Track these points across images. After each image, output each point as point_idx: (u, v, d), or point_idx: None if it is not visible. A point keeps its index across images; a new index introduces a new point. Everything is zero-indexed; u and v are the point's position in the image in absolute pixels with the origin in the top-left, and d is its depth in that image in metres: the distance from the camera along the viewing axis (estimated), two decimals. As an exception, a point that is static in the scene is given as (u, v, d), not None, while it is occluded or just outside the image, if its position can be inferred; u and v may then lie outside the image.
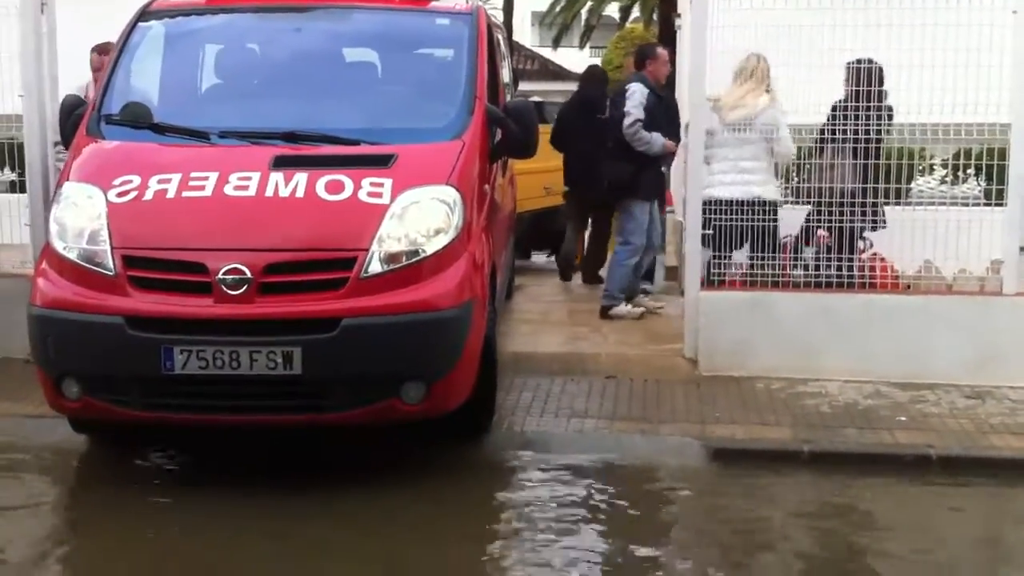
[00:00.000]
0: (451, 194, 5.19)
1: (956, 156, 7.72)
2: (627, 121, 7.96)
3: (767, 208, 7.01)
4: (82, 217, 5.14)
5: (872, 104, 6.83)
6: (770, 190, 7.17)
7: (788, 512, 5.16)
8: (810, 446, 5.68)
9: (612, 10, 30.50)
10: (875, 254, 7.51)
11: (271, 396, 4.98)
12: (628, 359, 7.22)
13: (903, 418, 6.06)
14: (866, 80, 6.81)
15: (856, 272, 6.93)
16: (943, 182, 8.19)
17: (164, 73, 6.19)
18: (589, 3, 28.84)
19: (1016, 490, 5.36)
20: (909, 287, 7.18)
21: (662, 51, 8.84)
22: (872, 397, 6.38)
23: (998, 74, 6.45)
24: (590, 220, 10.33)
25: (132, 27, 6.10)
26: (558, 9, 29.93)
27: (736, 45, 6.72)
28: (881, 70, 6.85)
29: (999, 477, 5.43)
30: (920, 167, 7.87)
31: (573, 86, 41.73)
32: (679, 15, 13.79)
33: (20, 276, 6.58)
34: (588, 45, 36.24)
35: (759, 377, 6.67)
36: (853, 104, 6.85)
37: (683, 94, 12.56)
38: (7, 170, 7.47)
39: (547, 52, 37.97)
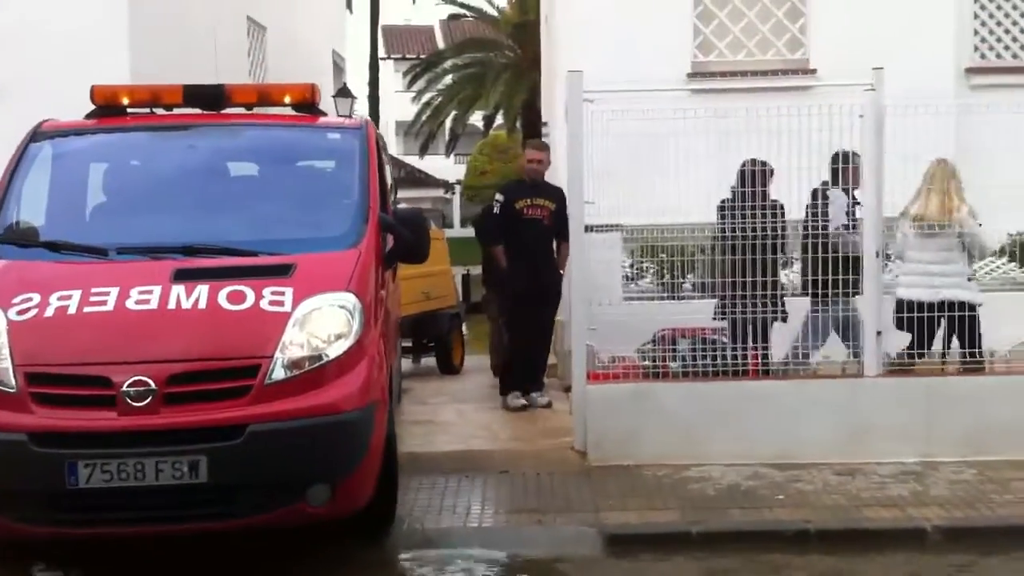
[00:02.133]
0: (351, 300, 5.37)
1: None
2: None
3: (965, 307, 7.42)
4: None
5: (757, 202, 7.34)
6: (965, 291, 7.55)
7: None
8: (698, 527, 5.97)
9: (476, 119, 31.30)
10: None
11: (177, 505, 5.01)
12: (520, 454, 7.45)
13: (782, 496, 6.42)
14: (750, 180, 7.33)
15: (730, 360, 7.35)
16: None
17: (56, 192, 6.22)
18: (454, 112, 29.56)
19: (888, 557, 5.72)
20: (778, 373, 7.66)
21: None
22: (752, 478, 6.74)
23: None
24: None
25: (24, 147, 6.17)
26: (424, 119, 30.57)
27: (608, 151, 7.15)
28: (771, 171, 7.41)
29: (873, 547, 5.79)
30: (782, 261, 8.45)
31: (439, 192, 42.13)
32: (545, 123, 14.44)
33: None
34: (454, 152, 37.07)
35: (647, 464, 6.97)
36: (740, 203, 7.35)
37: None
38: None
39: (413, 160, 38.66)
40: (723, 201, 7.49)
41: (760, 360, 7.60)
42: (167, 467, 4.89)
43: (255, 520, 5.12)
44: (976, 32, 10.95)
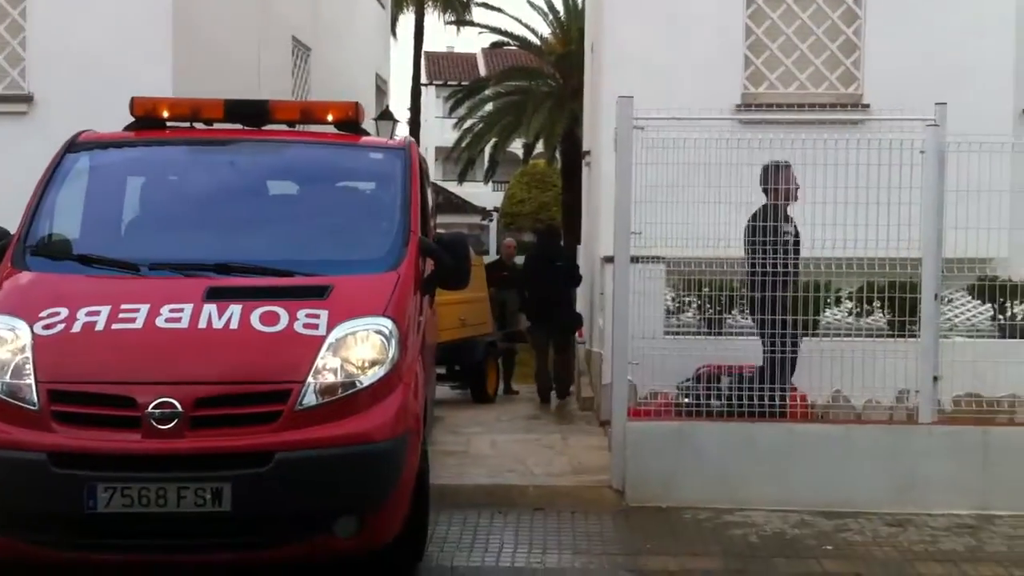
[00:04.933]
0: (388, 325, 5.18)
1: (861, 289, 8.08)
2: None
3: None
4: (6, 350, 4.98)
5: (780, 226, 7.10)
6: None
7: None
8: (742, 576, 5.71)
9: (516, 147, 31.22)
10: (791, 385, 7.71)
11: (199, 534, 4.82)
12: (556, 491, 7.21)
13: (829, 547, 6.13)
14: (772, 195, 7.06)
15: (777, 402, 7.08)
16: (850, 314, 8.53)
17: (91, 205, 6.10)
18: (494, 139, 29.47)
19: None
20: (821, 417, 7.38)
21: None
22: (798, 526, 6.45)
23: (907, 211, 6.78)
24: (552, 349, 11.83)
25: (60, 158, 6.05)
26: (464, 145, 30.50)
27: (657, 181, 6.94)
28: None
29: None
30: (828, 299, 8.19)
31: (476, 219, 42.51)
32: (587, 152, 14.29)
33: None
34: (492, 180, 37.02)
35: (686, 507, 6.71)
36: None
37: (591, 227, 12.97)
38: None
39: (452, 186, 38.66)
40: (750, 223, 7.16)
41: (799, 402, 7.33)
42: (189, 493, 4.70)
43: (280, 552, 4.93)
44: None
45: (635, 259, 7.11)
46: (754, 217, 7.19)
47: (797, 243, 7.24)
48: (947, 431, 6.89)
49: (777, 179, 7.23)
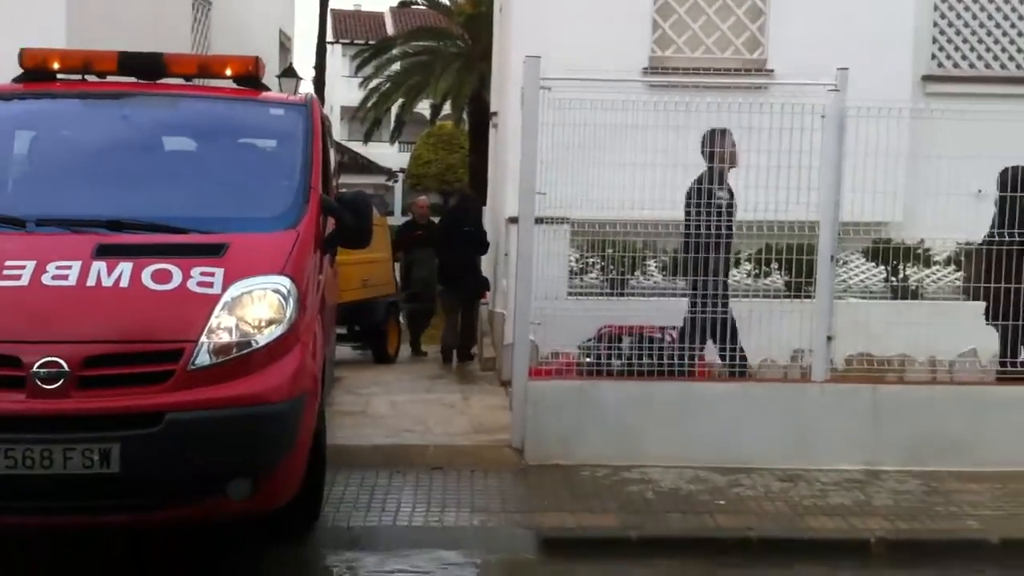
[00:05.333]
0: (285, 284, 5.08)
1: (761, 251, 8.21)
2: None
3: None
4: None
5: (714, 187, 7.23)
6: None
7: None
8: (637, 532, 5.78)
9: (423, 107, 30.94)
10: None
11: (88, 496, 4.69)
12: (455, 450, 7.20)
13: (723, 502, 6.25)
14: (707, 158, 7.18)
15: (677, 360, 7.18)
16: (749, 276, 8.67)
17: (-26, 158, 5.87)
18: (401, 100, 29.16)
19: (830, 568, 5.57)
20: (718, 375, 7.51)
21: None
22: (693, 482, 6.56)
23: (808, 175, 6.89)
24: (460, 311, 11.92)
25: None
26: (370, 105, 30.12)
27: (562, 142, 6.92)
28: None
29: (815, 557, 5.64)
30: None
31: (381, 179, 41.97)
32: (495, 113, 14.23)
33: None
34: (398, 140, 36.67)
35: (585, 465, 6.76)
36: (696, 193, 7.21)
37: (497, 188, 12.94)
38: None
39: (357, 146, 38.21)
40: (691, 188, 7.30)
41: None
42: (76, 455, 4.57)
43: (172, 514, 4.85)
44: (935, 40, 10.90)
45: (540, 220, 7.09)
46: (699, 180, 7.27)
47: (732, 207, 7.31)
48: (839, 389, 7.05)
49: (717, 144, 7.31)
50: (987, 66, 10.90)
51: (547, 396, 6.93)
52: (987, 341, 8.59)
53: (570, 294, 8.02)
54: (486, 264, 12.90)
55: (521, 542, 5.71)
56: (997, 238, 7.40)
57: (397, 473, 6.63)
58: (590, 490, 6.42)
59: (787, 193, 7.02)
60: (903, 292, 9.19)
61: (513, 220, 9.09)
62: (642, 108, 7.02)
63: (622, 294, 8.22)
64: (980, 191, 8.56)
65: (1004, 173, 7.60)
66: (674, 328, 7.70)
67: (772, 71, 10.10)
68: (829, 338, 7.02)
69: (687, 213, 7.29)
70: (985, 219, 8.40)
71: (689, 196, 7.29)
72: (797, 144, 7.02)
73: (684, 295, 7.52)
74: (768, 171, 6.88)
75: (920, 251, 9.32)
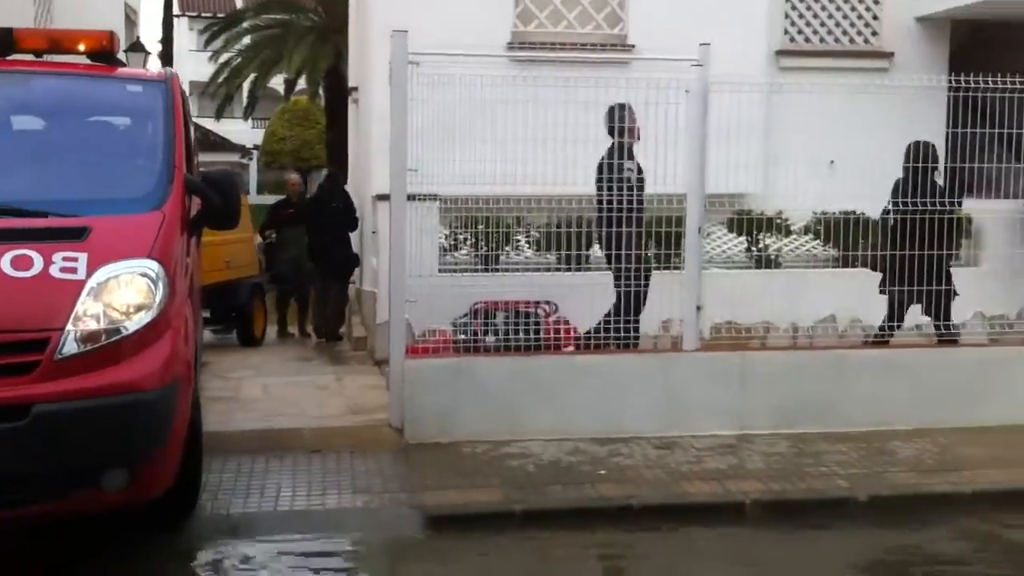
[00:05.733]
0: (154, 268, 4.89)
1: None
2: None
3: None
4: None
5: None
6: None
7: (505, 572, 5.27)
8: (521, 505, 5.81)
9: (277, 82, 30.24)
10: (560, 318, 7.90)
11: (-49, 493, 4.46)
12: (332, 432, 7.11)
13: (603, 471, 6.34)
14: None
15: (545, 335, 7.25)
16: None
17: None
18: (253, 75, 28.40)
19: (710, 530, 5.73)
20: (589, 347, 7.61)
21: None
22: (573, 453, 6.63)
23: (673, 149, 7.01)
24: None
25: None
26: (221, 80, 29.24)
27: (431, 117, 6.86)
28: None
29: (695, 521, 5.79)
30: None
31: (235, 157, 40.71)
32: (354, 88, 14.01)
33: None
34: (251, 117, 35.76)
35: (465, 441, 6.76)
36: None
37: (361, 165, 12.77)
38: None
39: (208, 123, 37.13)
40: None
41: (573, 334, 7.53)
42: (-63, 452, 4.32)
43: (45, 508, 4.65)
44: (787, 16, 11.21)
45: (410, 197, 7.02)
46: (610, 155, 7.30)
47: (642, 180, 7.37)
48: (709, 357, 7.23)
49: (622, 119, 7.35)
50: (836, 41, 11.28)
51: (425, 374, 6.89)
52: (844, 307, 8.98)
53: (442, 271, 8.00)
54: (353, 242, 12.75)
55: (406, 521, 5.68)
56: (902, 207, 7.64)
57: (274, 458, 6.50)
58: (472, 466, 6.42)
59: (653, 166, 7.13)
60: (763, 262, 9.48)
61: (382, 197, 9.01)
62: (512, 83, 7.02)
63: (495, 270, 8.25)
64: (832, 162, 8.93)
65: (909, 147, 7.92)
66: (548, 302, 7.77)
67: (633, 46, 10.22)
68: (698, 308, 7.17)
69: (598, 188, 7.33)
70: (838, 190, 8.76)
71: (600, 171, 7.35)
72: (663, 118, 7.14)
73: (571, 270, 7.57)
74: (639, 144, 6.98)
75: (779, 221, 9.64)
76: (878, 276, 8.00)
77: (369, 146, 10.53)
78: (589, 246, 8.17)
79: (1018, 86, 7.45)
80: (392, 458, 6.58)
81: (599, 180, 7.37)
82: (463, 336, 7.55)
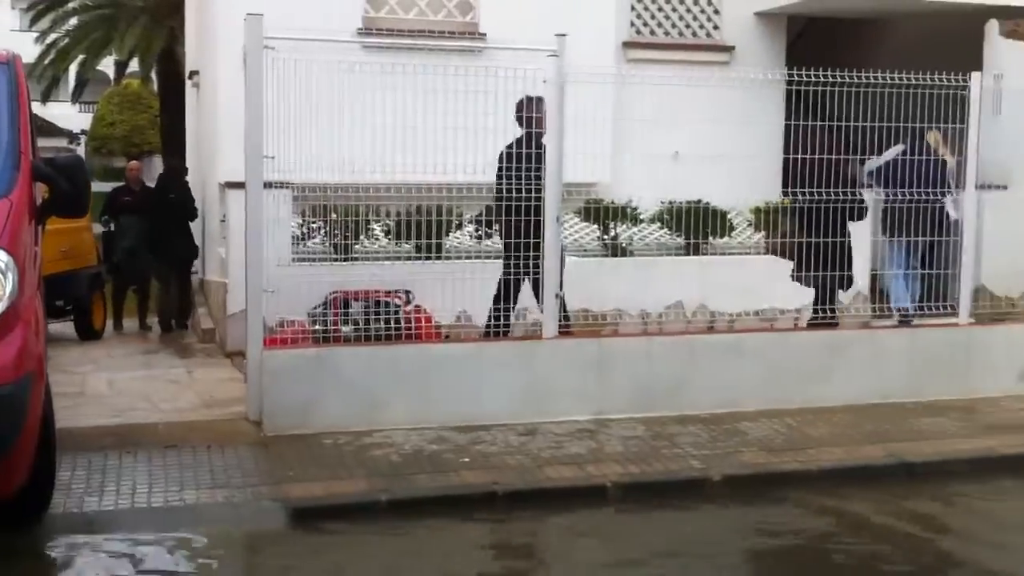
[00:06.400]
0: (3, 259, 4.68)
1: (482, 213, 8.39)
2: None
3: None
4: None
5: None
6: None
7: (373, 562, 5.24)
8: (387, 495, 5.80)
9: (107, 65, 29.08)
10: (417, 307, 7.89)
11: None
12: (188, 426, 6.93)
13: (467, 459, 6.38)
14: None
15: (403, 324, 7.25)
16: (471, 237, 8.84)
17: None
18: (81, 57, 27.22)
19: (574, 514, 5.84)
20: (448, 336, 7.64)
21: None
22: (436, 442, 6.65)
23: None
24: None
25: None
26: (47, 62, 27.92)
27: (284, 103, 6.72)
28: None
29: (558, 505, 5.89)
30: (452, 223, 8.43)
31: (63, 143, 39.18)
32: (195, 72, 13.62)
33: None
34: (79, 100, 34.30)
35: (326, 432, 6.69)
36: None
37: (204, 152, 12.43)
38: None
39: (35, 106, 35.41)
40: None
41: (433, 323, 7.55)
42: None
43: None
44: (633, 8, 11.45)
45: (266, 185, 6.86)
46: (518, 144, 7.32)
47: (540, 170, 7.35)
48: (567, 345, 7.34)
49: (532, 109, 7.34)
50: (680, 34, 11.60)
51: (283, 365, 6.79)
52: (688, 294, 9.28)
53: (296, 260, 7.86)
54: (194, 229, 12.41)
55: (269, 515, 5.59)
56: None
57: (127, 454, 6.31)
58: (334, 457, 6.36)
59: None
60: (614, 250, 9.68)
61: (231, 185, 8.80)
62: (369, 71, 6.95)
63: (350, 259, 8.17)
64: (677, 153, 9.20)
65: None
66: (408, 291, 7.74)
67: (484, 35, 10.27)
68: (557, 296, 7.27)
69: (499, 177, 7.32)
70: (681, 180, 9.04)
71: (501, 160, 7.34)
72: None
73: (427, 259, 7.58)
74: (489, 134, 7.01)
75: (629, 210, 9.86)
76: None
77: (215, 132, 10.25)
78: (447, 234, 8.18)
79: (847, 80, 7.77)
80: (251, 451, 6.45)
81: (501, 169, 7.34)
82: (319, 327, 7.45)
